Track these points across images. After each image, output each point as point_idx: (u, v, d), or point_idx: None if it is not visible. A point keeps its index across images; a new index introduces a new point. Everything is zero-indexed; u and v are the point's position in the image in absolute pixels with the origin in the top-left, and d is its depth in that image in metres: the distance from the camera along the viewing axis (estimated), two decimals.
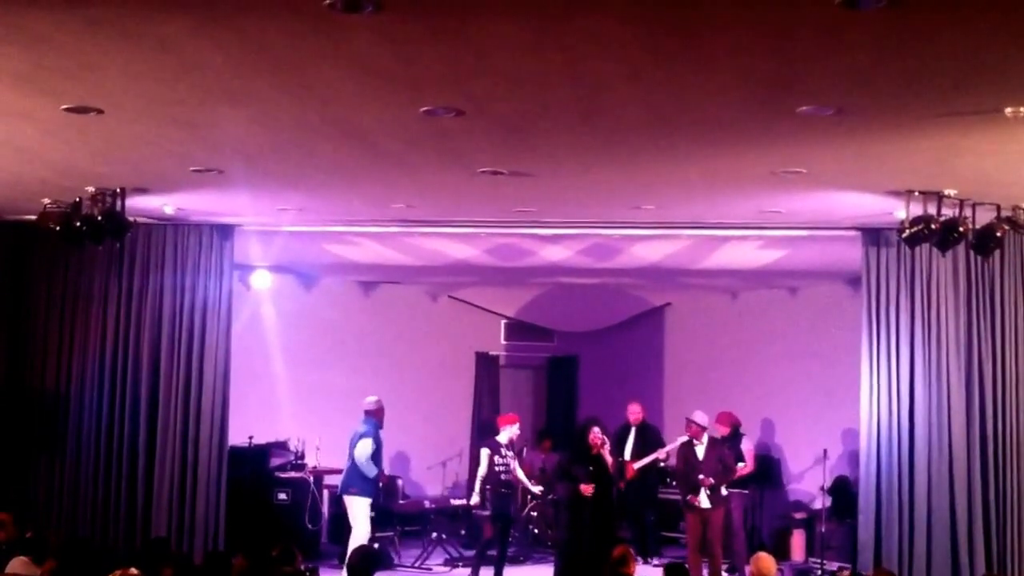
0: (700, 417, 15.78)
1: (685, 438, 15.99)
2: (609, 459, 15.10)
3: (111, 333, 14.57)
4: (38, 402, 14.58)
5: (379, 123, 9.09)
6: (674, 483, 18.06)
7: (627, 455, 17.77)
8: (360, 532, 15.25)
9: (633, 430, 18.04)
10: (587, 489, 14.78)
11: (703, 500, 15.39)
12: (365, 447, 15.38)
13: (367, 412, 15.71)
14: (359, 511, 15.40)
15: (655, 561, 17.35)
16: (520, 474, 16.16)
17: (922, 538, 13.25)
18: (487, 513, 15.81)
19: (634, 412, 18.16)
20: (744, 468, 16.57)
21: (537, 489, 17.00)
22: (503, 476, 15.60)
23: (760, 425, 19.23)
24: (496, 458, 15.64)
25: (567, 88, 7.84)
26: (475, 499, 15.90)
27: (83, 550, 10.55)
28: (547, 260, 17.14)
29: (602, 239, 15.39)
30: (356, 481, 15.55)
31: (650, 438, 17.94)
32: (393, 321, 20.94)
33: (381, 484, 15.64)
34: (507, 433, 15.82)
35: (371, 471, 15.37)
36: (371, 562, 10.42)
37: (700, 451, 15.64)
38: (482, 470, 15.73)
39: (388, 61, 7.23)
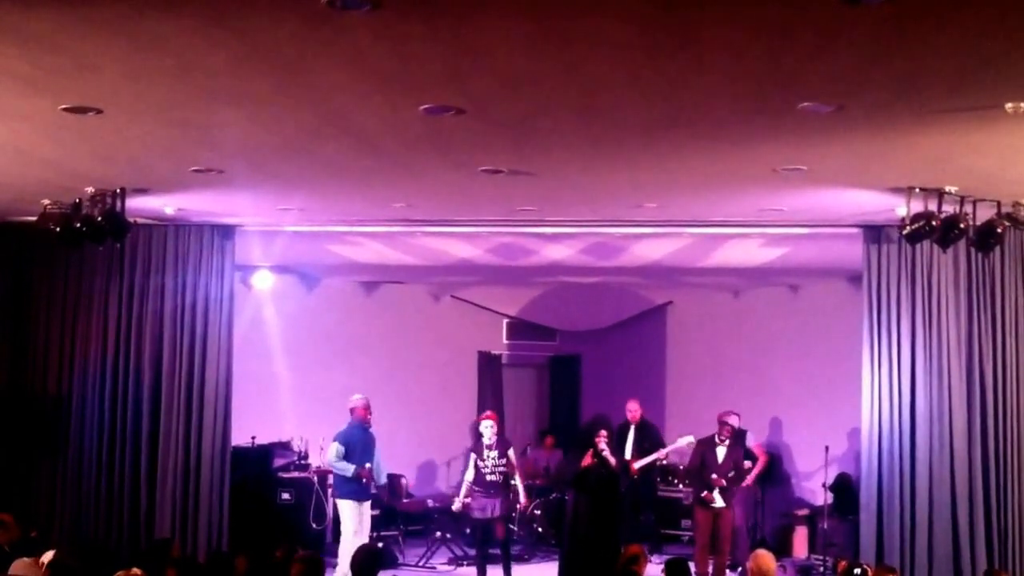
0: (734, 420, 15.86)
1: (689, 437, 16.12)
2: (612, 460, 15.13)
3: (112, 334, 14.56)
4: (40, 404, 14.57)
5: (379, 122, 9.09)
6: (677, 481, 18.10)
7: (627, 454, 17.78)
8: (344, 533, 15.26)
9: (632, 428, 18.00)
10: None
11: (717, 499, 15.43)
12: (330, 452, 15.43)
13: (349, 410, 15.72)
14: (343, 513, 15.40)
15: (655, 559, 17.38)
16: (516, 480, 16.11)
17: (923, 534, 13.26)
18: (476, 516, 15.82)
19: (632, 410, 18.07)
20: (758, 464, 16.63)
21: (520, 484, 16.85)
22: (487, 477, 15.62)
23: (762, 422, 19.22)
24: (479, 461, 15.67)
25: (567, 86, 7.83)
26: (456, 504, 15.94)
27: (94, 554, 10.60)
28: (549, 259, 17.15)
29: (603, 238, 15.40)
30: (338, 484, 15.64)
31: (649, 436, 17.91)
32: (395, 321, 20.96)
33: (364, 480, 15.45)
34: (485, 432, 15.81)
35: (345, 471, 15.31)
36: (375, 561, 10.41)
37: (721, 452, 15.66)
38: (468, 474, 15.79)
39: (388, 59, 7.23)
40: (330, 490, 17.66)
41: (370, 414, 15.62)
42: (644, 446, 17.73)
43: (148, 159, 10.66)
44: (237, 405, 14.90)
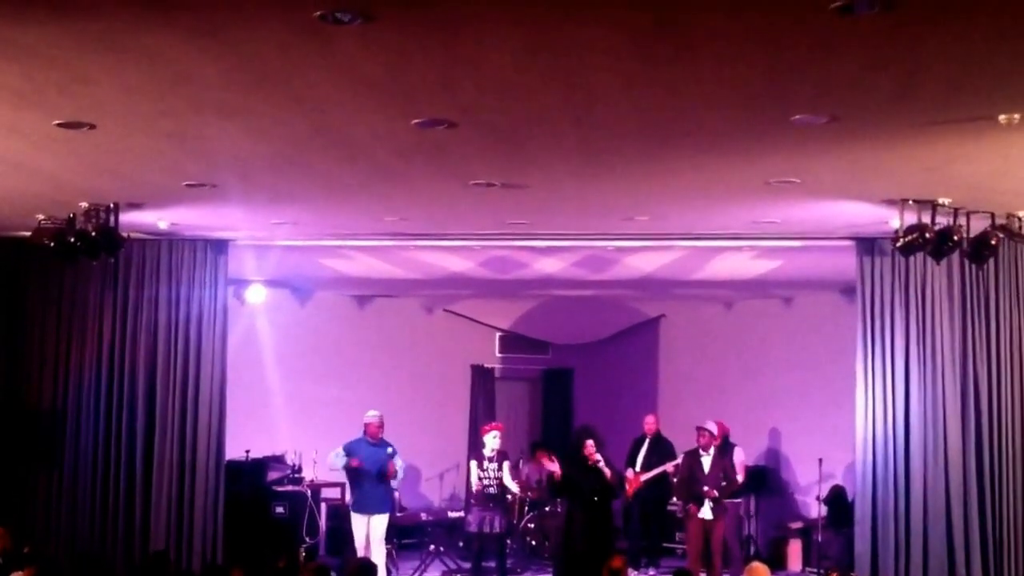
0: (712, 426, 15.81)
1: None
2: (607, 472, 15.10)
3: (107, 348, 14.55)
4: (35, 417, 14.54)
5: (371, 135, 9.09)
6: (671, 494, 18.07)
7: (638, 466, 17.78)
8: (356, 548, 15.29)
9: (647, 441, 18.06)
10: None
11: (706, 511, 15.40)
12: (330, 457, 15.49)
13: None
14: (353, 527, 15.44)
15: (651, 572, 17.43)
16: (508, 481, 16.10)
17: (918, 547, 13.23)
18: (473, 529, 15.84)
19: (649, 423, 18.24)
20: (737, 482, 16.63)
21: (515, 487, 16.86)
22: (486, 490, 15.62)
23: (755, 435, 19.23)
24: (479, 471, 15.68)
25: (560, 98, 7.84)
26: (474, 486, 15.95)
27: (89, 566, 10.60)
28: (541, 272, 17.14)
29: (596, 251, 15.39)
30: (352, 497, 15.64)
31: (663, 450, 17.90)
32: (388, 334, 20.95)
33: (355, 466, 15.40)
34: (489, 443, 15.84)
35: (337, 462, 15.33)
36: (366, 575, 10.43)
37: (706, 461, 15.65)
38: (473, 483, 15.81)
39: (379, 72, 7.24)
40: (323, 504, 17.70)
41: (382, 431, 15.63)
42: (652, 460, 17.75)
43: (141, 173, 10.66)
44: (231, 419, 14.86)
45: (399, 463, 15.63)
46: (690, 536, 15.77)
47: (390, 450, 15.59)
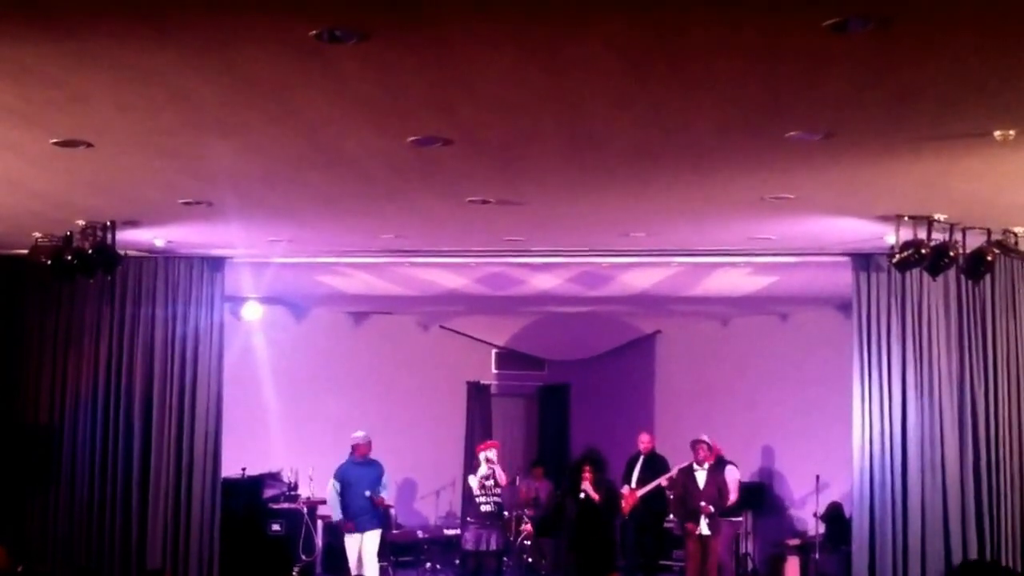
0: (708, 440, 15.81)
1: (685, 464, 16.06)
2: (595, 496, 15.05)
3: (103, 366, 14.53)
4: (31, 435, 14.51)
5: (368, 153, 9.09)
6: (668, 511, 18.05)
7: (633, 483, 17.76)
8: (351, 567, 15.33)
9: (641, 459, 18.03)
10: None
11: (703, 527, 15.39)
12: (328, 489, 15.60)
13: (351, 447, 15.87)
14: (346, 546, 15.49)
15: None
16: (499, 473, 16.09)
17: (916, 564, 13.19)
18: (470, 547, 15.86)
19: (643, 441, 18.21)
20: (729, 499, 16.61)
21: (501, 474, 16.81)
22: (482, 507, 15.63)
23: (752, 452, 19.22)
24: (478, 489, 15.69)
25: (555, 116, 7.84)
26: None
27: None
28: (537, 289, 17.14)
29: (592, 267, 15.39)
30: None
31: (657, 467, 17.88)
32: (384, 351, 20.96)
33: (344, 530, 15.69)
34: (485, 460, 15.88)
35: (334, 510, 15.50)
36: None
37: (701, 477, 15.65)
38: (473, 484, 15.84)
39: (375, 90, 7.24)
40: (319, 521, 17.67)
41: (369, 450, 15.72)
42: (647, 477, 17.72)
43: (138, 191, 10.66)
44: (227, 436, 14.84)
45: (384, 492, 15.73)
46: (689, 553, 15.76)
47: (384, 479, 15.72)
